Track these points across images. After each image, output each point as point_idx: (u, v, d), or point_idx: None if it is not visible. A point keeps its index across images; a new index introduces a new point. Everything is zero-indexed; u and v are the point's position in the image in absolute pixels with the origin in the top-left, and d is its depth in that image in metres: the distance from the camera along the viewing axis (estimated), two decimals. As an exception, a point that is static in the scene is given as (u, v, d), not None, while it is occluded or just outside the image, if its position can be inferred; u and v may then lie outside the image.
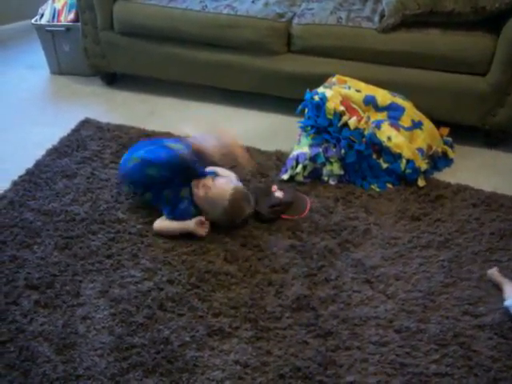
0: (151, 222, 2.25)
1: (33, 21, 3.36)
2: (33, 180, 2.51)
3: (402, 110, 2.55)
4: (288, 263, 2.09)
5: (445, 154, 2.64)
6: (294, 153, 2.51)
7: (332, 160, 2.44)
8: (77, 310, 1.92)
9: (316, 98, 2.48)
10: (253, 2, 2.89)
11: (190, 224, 2.19)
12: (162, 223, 2.23)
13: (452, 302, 1.95)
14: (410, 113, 2.57)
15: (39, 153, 2.68)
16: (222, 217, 2.20)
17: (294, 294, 1.96)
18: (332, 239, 2.20)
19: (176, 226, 2.21)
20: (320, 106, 2.46)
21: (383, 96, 2.58)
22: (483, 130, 2.76)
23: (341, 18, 2.72)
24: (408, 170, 2.44)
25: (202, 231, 2.20)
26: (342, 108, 2.45)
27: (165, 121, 2.95)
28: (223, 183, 2.22)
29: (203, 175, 2.29)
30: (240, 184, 2.27)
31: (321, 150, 2.44)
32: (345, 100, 2.51)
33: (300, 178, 2.47)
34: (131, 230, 2.23)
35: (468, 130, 2.78)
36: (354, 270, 2.08)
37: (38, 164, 2.62)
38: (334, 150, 2.43)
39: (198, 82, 3.11)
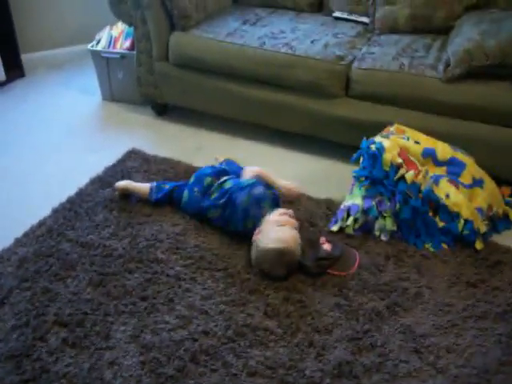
0: (191, 265, 2.16)
1: (89, 46, 3.36)
2: (73, 209, 2.46)
3: (462, 165, 2.40)
4: (332, 323, 1.95)
5: (506, 216, 2.47)
6: (346, 203, 2.38)
7: (385, 214, 2.30)
8: (105, 353, 1.82)
9: (373, 147, 2.36)
10: (312, 42, 2.81)
11: None
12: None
13: (510, 382, 1.78)
14: (471, 169, 2.42)
15: (83, 180, 2.64)
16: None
17: (335, 359, 1.82)
18: (380, 300, 2.05)
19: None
20: (376, 156, 2.33)
21: (443, 150, 2.44)
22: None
23: (403, 64, 2.61)
24: (466, 231, 2.28)
25: None
26: (399, 160, 2.32)
27: (212, 157, 2.86)
28: (269, 231, 2.14)
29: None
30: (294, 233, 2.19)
31: (374, 202, 2.31)
32: (403, 152, 2.38)
33: (350, 231, 2.34)
34: (169, 272, 2.13)
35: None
36: (402, 336, 1.91)
37: (80, 192, 2.57)
38: (389, 204, 2.30)
39: (250, 121, 3.03)
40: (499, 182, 2.53)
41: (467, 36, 2.53)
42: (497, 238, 2.39)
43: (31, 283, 2.07)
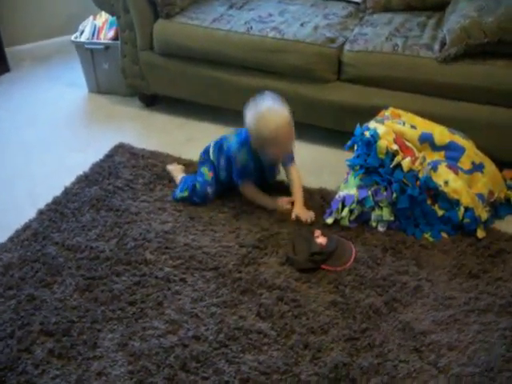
0: (181, 266, 2.08)
1: (72, 38, 3.25)
2: (59, 210, 2.38)
3: (461, 150, 2.30)
4: (328, 323, 1.86)
5: (508, 200, 2.37)
6: (341, 194, 2.28)
7: (382, 204, 2.21)
8: (92, 363, 1.74)
9: (367, 134, 2.26)
10: (301, 25, 2.70)
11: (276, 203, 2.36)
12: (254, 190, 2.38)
13: (515, 380, 1.70)
14: (471, 153, 2.31)
15: (69, 179, 2.55)
16: None
17: (332, 361, 1.73)
18: (378, 296, 1.96)
19: (266, 200, 2.38)
20: (371, 143, 2.23)
21: (441, 133, 2.33)
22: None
23: (397, 45, 2.49)
24: (466, 220, 2.18)
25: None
26: (395, 147, 2.22)
27: (202, 148, 2.77)
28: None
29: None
30: None
31: (370, 192, 2.21)
32: (398, 137, 2.28)
33: (345, 223, 2.24)
34: (158, 274, 2.04)
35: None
36: (402, 334, 1.83)
37: (66, 192, 2.48)
38: (385, 193, 2.20)
39: (240, 109, 2.91)
40: (501, 165, 2.43)
41: (463, 13, 2.42)
42: (499, 225, 2.30)
43: (16, 291, 2.00)
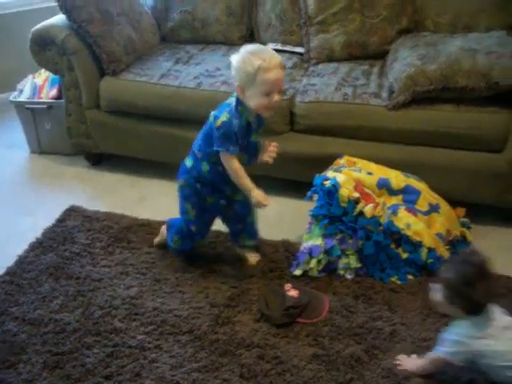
0: (153, 332, 2.01)
1: (11, 98, 3.15)
2: (15, 281, 2.26)
3: (417, 192, 2.37)
4: (312, 377, 1.84)
5: (464, 237, 2.46)
6: (306, 244, 2.29)
7: (348, 252, 2.23)
8: None
9: (327, 183, 2.29)
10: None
11: (257, 191, 2.10)
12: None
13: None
14: (426, 195, 2.39)
15: (21, 247, 2.43)
16: None
17: (323, 417, 1.72)
18: (357, 345, 1.96)
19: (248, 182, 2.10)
20: (332, 192, 2.27)
21: (397, 178, 2.41)
22: (501, 208, 2.60)
23: (347, 94, 2.57)
24: (430, 260, 2.24)
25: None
26: (356, 195, 2.26)
27: (158, 207, 2.73)
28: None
29: None
30: None
31: (336, 241, 2.23)
32: (358, 185, 2.32)
33: (314, 274, 2.25)
34: (131, 343, 1.96)
35: (484, 208, 2.62)
36: (386, 381, 1.84)
37: (20, 261, 2.37)
38: (351, 241, 2.23)
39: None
40: (452, 203, 2.52)
41: (407, 61, 2.52)
42: (459, 262, 2.37)
43: (-24, 377, 1.87)
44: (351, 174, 2.36)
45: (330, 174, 2.37)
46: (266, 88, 1.93)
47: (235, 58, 1.98)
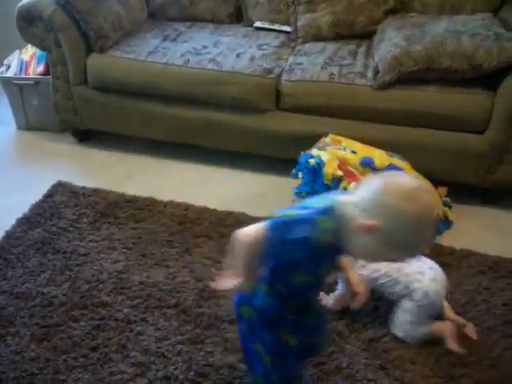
0: (140, 305, 2.04)
1: (-2, 73, 3.14)
2: (3, 256, 2.28)
3: (400, 171, 2.42)
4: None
5: (445, 216, 2.51)
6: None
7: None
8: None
9: (312, 161, 2.32)
10: (237, 56, 2.74)
11: None
12: None
13: None
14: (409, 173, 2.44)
15: (9, 222, 2.45)
16: None
17: None
18: (339, 320, 2.02)
19: None
20: (316, 170, 2.30)
21: (380, 157, 2.44)
22: (482, 188, 2.66)
23: (333, 73, 2.59)
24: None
25: None
26: (340, 173, 2.30)
27: (145, 183, 2.75)
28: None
29: None
30: None
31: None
32: (342, 163, 2.36)
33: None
34: (117, 316, 2.00)
35: (465, 187, 2.67)
36: (366, 354, 1.90)
37: (7, 236, 2.38)
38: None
39: (180, 141, 2.92)
40: (434, 182, 2.57)
41: (393, 42, 2.55)
42: (440, 241, 2.42)
43: (-34, 348, 1.90)
44: (336, 153, 2.39)
45: (314, 152, 2.40)
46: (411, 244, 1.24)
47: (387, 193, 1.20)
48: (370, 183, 1.24)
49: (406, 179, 1.25)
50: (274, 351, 1.47)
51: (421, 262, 1.97)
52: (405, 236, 1.18)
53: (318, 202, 1.33)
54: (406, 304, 1.92)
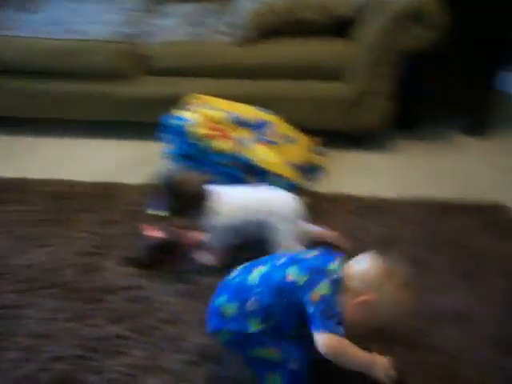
0: (22, 289, 2.00)
1: None
2: None
3: (270, 125, 2.49)
4: (183, 311, 1.94)
5: (318, 164, 2.63)
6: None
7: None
8: None
9: (179, 122, 2.34)
10: (98, 23, 2.67)
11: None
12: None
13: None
14: (280, 127, 2.52)
15: None
16: None
17: (195, 346, 1.81)
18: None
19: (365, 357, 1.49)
20: (184, 131, 2.32)
21: (249, 113, 2.50)
22: (349, 133, 2.79)
23: (196, 33, 2.60)
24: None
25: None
26: (209, 131, 2.33)
27: (22, 164, 2.66)
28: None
29: None
30: None
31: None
32: (210, 122, 2.39)
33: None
34: (2, 303, 1.96)
35: (342, 136, 2.81)
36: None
37: None
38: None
39: (53, 116, 2.82)
40: (306, 132, 2.67)
41: (253, -2, 2.58)
42: (317, 188, 2.53)
43: None
44: (204, 112, 2.42)
45: (182, 113, 2.41)
46: (373, 325, 1.54)
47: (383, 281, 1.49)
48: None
49: None
50: (276, 343, 1.57)
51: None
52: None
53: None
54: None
